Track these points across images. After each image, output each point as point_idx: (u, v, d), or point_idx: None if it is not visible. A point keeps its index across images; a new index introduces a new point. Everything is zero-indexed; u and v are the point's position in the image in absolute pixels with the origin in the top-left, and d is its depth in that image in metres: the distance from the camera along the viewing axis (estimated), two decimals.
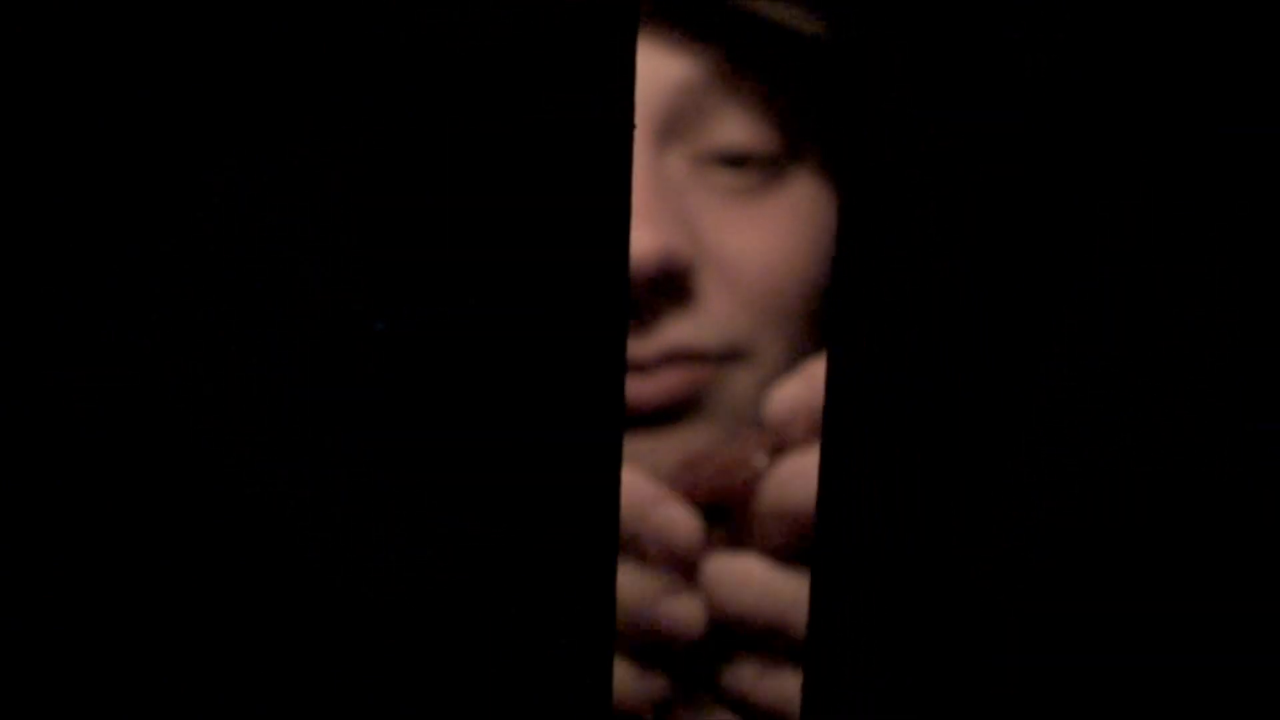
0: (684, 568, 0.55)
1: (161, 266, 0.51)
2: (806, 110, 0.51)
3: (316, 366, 0.52)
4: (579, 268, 0.52)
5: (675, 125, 0.51)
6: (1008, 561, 0.54)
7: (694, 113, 0.50)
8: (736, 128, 0.51)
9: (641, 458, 0.53)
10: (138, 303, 0.52)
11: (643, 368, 0.52)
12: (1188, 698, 0.55)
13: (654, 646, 0.56)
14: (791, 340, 0.52)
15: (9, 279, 0.52)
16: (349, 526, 0.54)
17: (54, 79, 0.50)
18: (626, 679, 0.56)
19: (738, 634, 0.55)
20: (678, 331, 0.52)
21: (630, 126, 0.50)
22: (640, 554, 0.54)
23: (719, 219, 0.51)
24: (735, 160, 0.51)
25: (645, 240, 0.51)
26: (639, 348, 0.52)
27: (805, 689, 0.55)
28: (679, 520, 0.54)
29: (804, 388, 0.53)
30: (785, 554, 0.54)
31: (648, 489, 0.54)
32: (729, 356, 0.52)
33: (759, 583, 0.55)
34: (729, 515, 0.54)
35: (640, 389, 0.52)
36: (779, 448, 0.53)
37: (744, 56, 0.50)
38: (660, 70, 0.50)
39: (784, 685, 0.56)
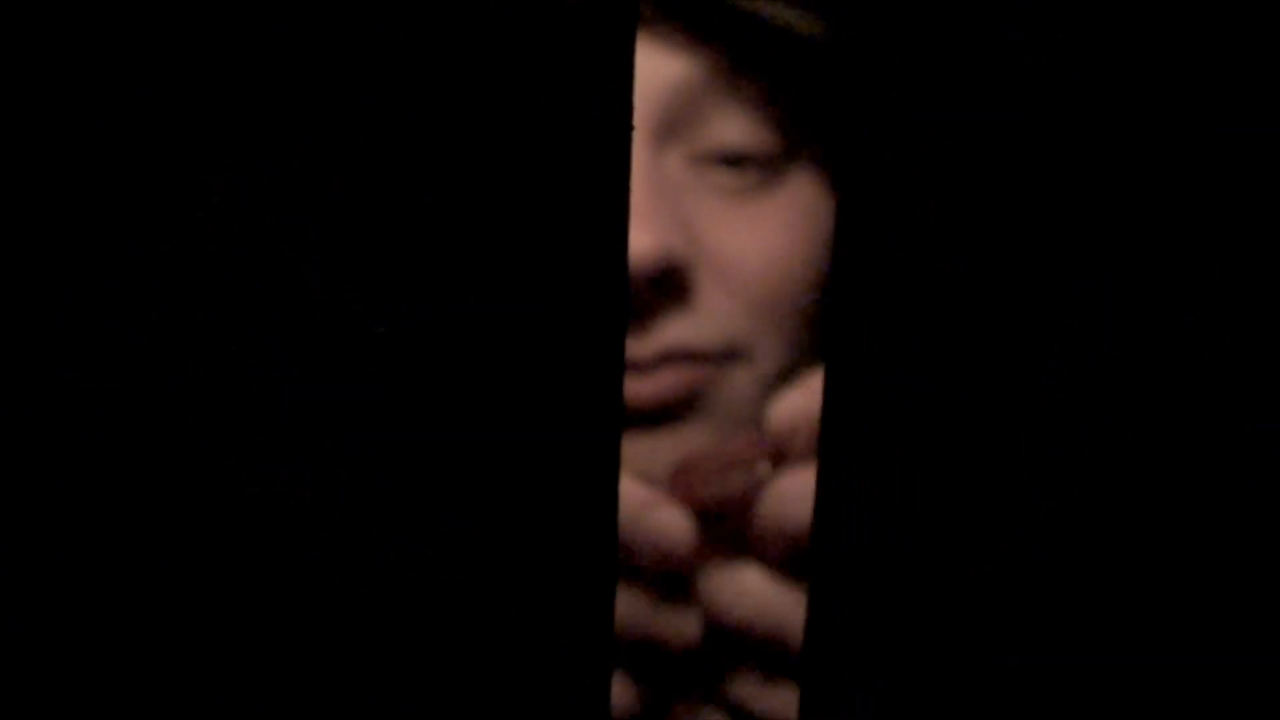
0: (679, 573, 0.54)
1: (161, 266, 0.52)
2: (805, 110, 0.51)
3: (316, 366, 0.52)
4: (578, 268, 0.52)
5: (673, 125, 0.50)
6: (1008, 562, 0.54)
7: (692, 112, 0.50)
8: (734, 127, 0.51)
9: (640, 459, 0.53)
10: (138, 303, 0.52)
11: (640, 367, 0.52)
12: (1188, 698, 0.55)
13: (651, 655, 0.56)
14: (789, 340, 0.52)
15: (9, 279, 0.52)
16: (349, 526, 0.54)
17: (54, 79, 0.50)
18: (622, 687, 0.56)
19: (735, 644, 0.55)
20: (675, 331, 0.52)
21: (629, 127, 0.50)
22: (633, 560, 0.54)
23: (717, 219, 0.51)
24: (733, 160, 0.51)
25: (643, 240, 0.51)
26: (637, 347, 0.52)
27: (805, 689, 0.55)
28: (673, 525, 0.54)
29: (807, 399, 0.53)
30: (782, 568, 0.54)
31: (641, 494, 0.54)
32: (727, 356, 0.52)
33: (757, 595, 0.54)
34: (728, 521, 0.54)
35: (638, 389, 0.52)
36: (780, 457, 0.53)
37: (742, 56, 0.50)
38: (658, 70, 0.50)
39: (781, 695, 0.56)
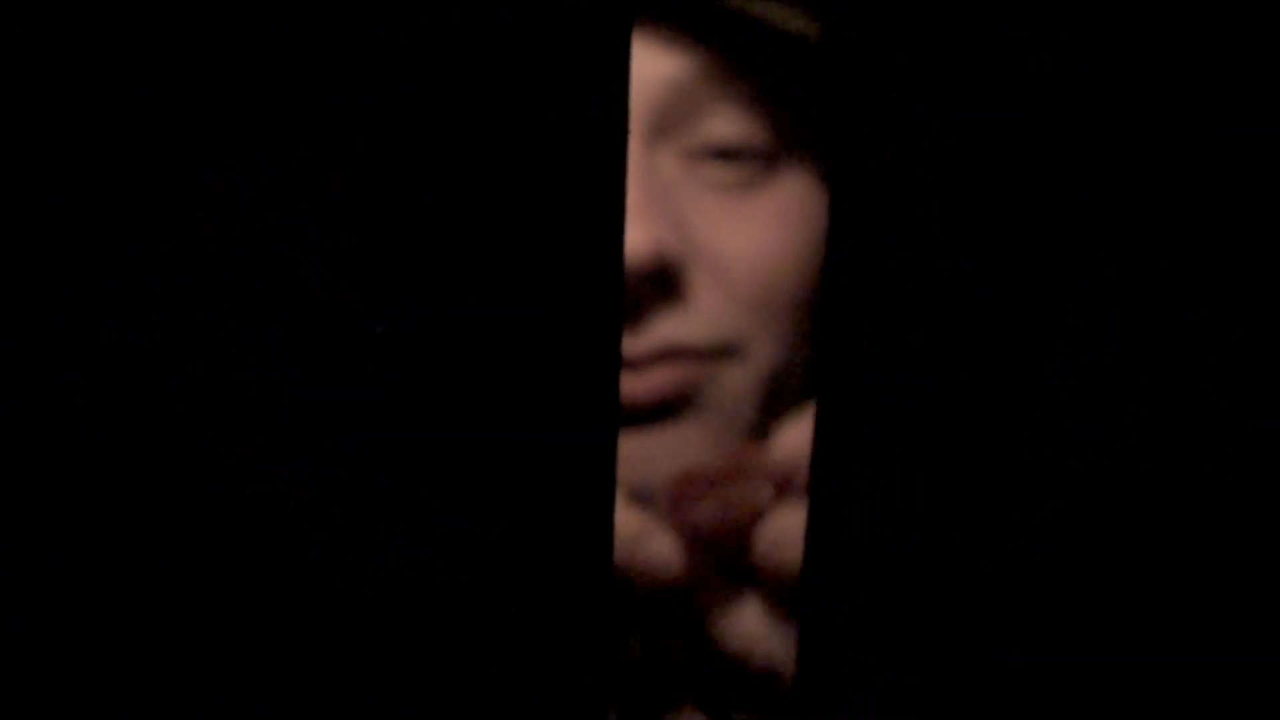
0: (672, 600, 0.54)
1: (161, 266, 0.52)
2: (798, 105, 0.51)
3: (316, 366, 0.52)
4: (574, 267, 0.52)
5: (666, 122, 0.51)
6: (1009, 561, 0.54)
7: (685, 109, 0.50)
8: (728, 123, 0.51)
9: (635, 456, 0.53)
10: (138, 303, 0.52)
11: (635, 365, 0.52)
12: (1188, 698, 0.55)
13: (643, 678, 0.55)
14: (785, 336, 0.52)
15: (9, 279, 0.52)
16: (349, 526, 0.54)
17: (54, 79, 0.50)
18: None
19: (730, 672, 0.55)
20: (670, 328, 0.52)
21: (625, 127, 0.50)
22: (628, 586, 0.54)
23: (711, 215, 0.51)
24: (727, 155, 0.51)
25: (637, 236, 0.51)
26: (631, 345, 0.52)
27: (804, 689, 0.55)
28: (666, 554, 0.54)
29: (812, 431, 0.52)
30: (779, 602, 0.54)
31: (635, 522, 0.53)
32: (721, 353, 0.52)
33: (755, 627, 0.54)
34: (727, 548, 0.54)
35: (633, 386, 0.52)
36: (783, 486, 0.53)
37: (735, 53, 0.50)
38: (651, 67, 0.50)
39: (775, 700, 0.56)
